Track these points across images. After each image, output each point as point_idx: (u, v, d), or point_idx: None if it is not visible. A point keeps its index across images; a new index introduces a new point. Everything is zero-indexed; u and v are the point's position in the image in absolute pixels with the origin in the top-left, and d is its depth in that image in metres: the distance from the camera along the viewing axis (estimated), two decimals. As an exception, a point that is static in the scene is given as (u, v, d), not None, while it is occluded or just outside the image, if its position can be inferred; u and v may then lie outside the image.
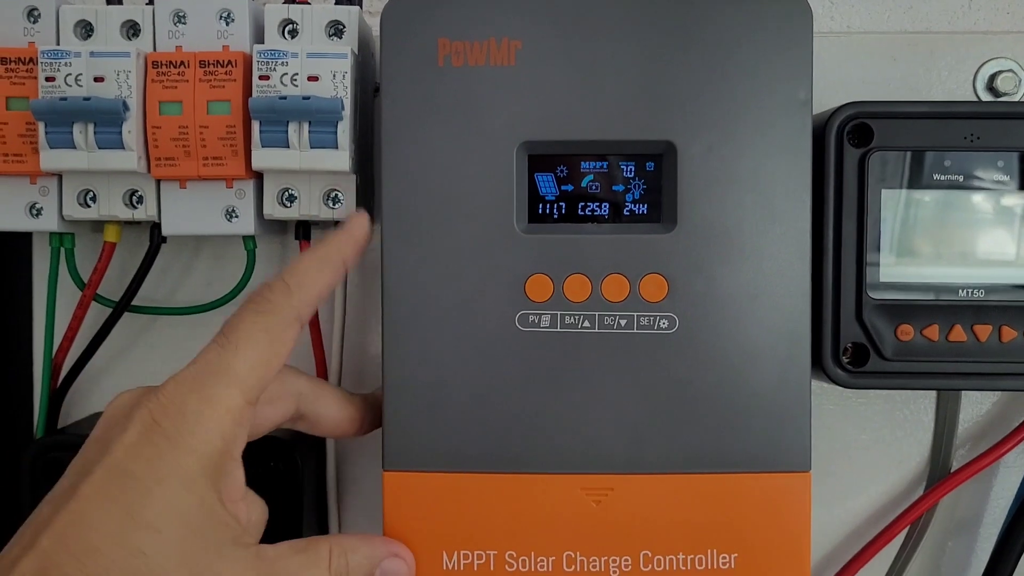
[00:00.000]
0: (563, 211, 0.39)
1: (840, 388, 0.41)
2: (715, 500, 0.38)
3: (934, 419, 0.47)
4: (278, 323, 0.33)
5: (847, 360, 0.41)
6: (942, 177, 0.41)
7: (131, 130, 0.39)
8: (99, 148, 0.39)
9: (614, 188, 0.39)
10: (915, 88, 0.46)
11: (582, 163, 0.39)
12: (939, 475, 0.46)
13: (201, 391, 0.31)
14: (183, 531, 0.30)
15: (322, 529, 0.46)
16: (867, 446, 0.47)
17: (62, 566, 0.28)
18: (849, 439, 0.47)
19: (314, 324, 0.44)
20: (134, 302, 0.44)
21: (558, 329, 0.38)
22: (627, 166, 0.39)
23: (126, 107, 0.39)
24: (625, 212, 0.39)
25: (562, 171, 0.39)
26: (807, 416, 0.38)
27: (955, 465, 0.46)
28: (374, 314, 0.47)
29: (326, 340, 0.45)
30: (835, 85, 0.45)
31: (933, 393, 0.46)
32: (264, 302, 0.33)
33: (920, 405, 0.47)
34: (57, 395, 0.45)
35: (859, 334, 0.41)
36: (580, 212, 0.39)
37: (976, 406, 0.47)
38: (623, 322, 0.38)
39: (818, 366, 0.40)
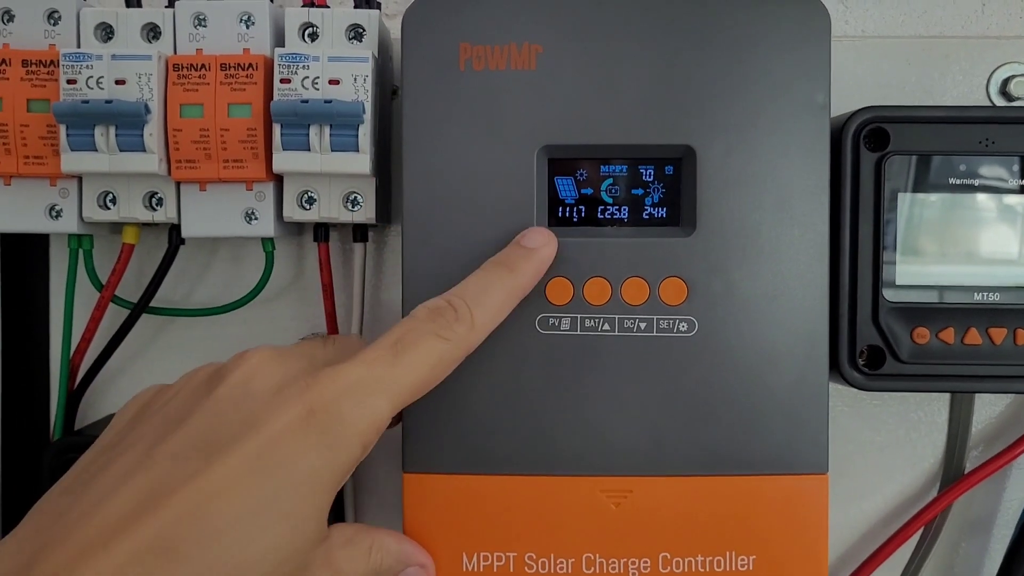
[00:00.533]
0: (583, 215, 0.39)
1: (854, 389, 0.41)
2: (733, 502, 0.38)
3: (948, 420, 0.47)
4: (451, 357, 0.33)
5: (863, 363, 0.41)
6: (957, 181, 0.41)
7: (152, 133, 0.39)
8: (120, 151, 0.39)
9: (633, 192, 0.39)
10: (929, 92, 0.46)
11: (602, 167, 0.39)
12: (953, 476, 0.46)
13: (361, 398, 0.30)
14: (301, 539, 0.29)
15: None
16: (881, 447, 0.47)
17: (184, 546, 0.27)
18: (863, 440, 0.47)
19: (332, 328, 0.44)
20: (152, 304, 0.44)
21: (578, 332, 0.38)
22: (646, 170, 0.39)
23: (147, 110, 0.39)
24: (644, 215, 0.39)
25: (582, 175, 0.39)
26: (825, 418, 0.38)
27: (969, 466, 0.46)
28: (394, 317, 0.47)
29: (344, 342, 0.45)
30: (849, 89, 0.45)
31: (947, 395, 0.47)
32: (448, 330, 0.33)
33: (934, 407, 0.47)
34: (74, 397, 0.45)
35: (875, 337, 0.41)
36: (600, 216, 0.39)
37: (990, 407, 0.47)
38: (643, 325, 0.38)
39: (834, 368, 0.40)
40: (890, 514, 0.47)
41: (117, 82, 0.39)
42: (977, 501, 0.47)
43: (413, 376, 0.32)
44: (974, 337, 0.41)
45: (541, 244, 0.36)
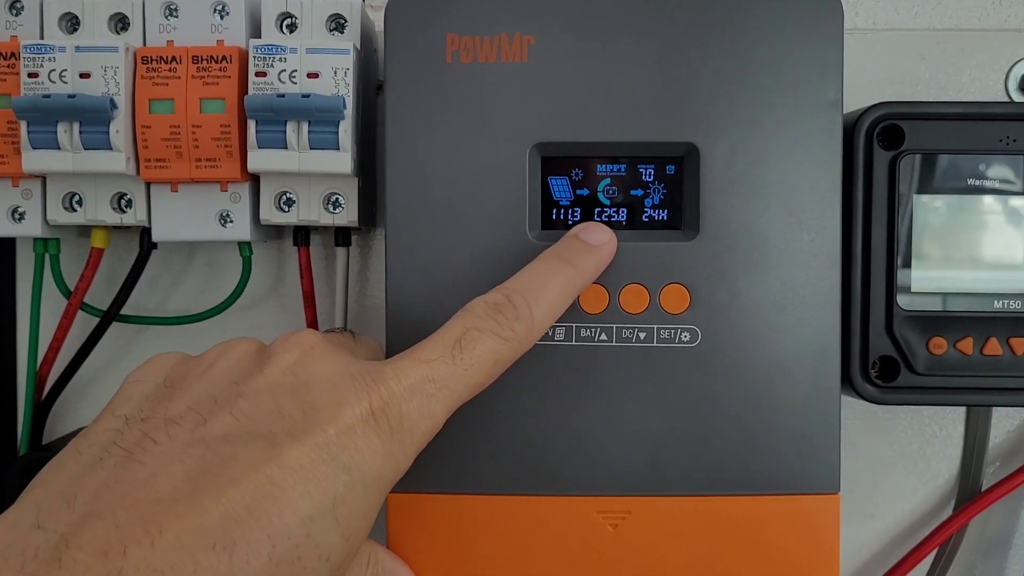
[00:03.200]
0: (578, 217, 0.37)
1: (865, 402, 0.39)
2: (739, 524, 0.36)
3: (963, 434, 0.45)
4: (509, 358, 0.31)
5: (876, 374, 0.39)
6: (975, 182, 0.38)
7: (119, 130, 0.37)
8: (85, 149, 0.37)
9: (632, 193, 0.37)
10: (944, 88, 0.44)
11: (598, 166, 0.37)
12: (969, 494, 0.44)
13: (423, 401, 0.28)
14: (350, 551, 0.27)
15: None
16: (893, 463, 0.45)
17: (251, 539, 0.24)
18: (874, 455, 0.45)
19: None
20: (123, 311, 0.42)
21: (573, 342, 0.36)
22: (646, 169, 0.36)
23: (114, 105, 0.36)
24: (644, 218, 0.37)
25: (577, 174, 0.37)
26: (836, 434, 0.36)
27: (986, 483, 0.44)
28: (377, 326, 0.44)
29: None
30: (860, 85, 0.43)
31: (962, 407, 0.44)
32: (508, 330, 0.30)
33: (949, 420, 0.45)
34: (41, 409, 0.43)
35: (889, 347, 0.39)
36: (596, 218, 0.37)
37: (1008, 421, 0.45)
38: (642, 335, 0.35)
39: (845, 381, 0.38)
40: (902, 534, 0.45)
41: (81, 75, 0.37)
42: (994, 520, 0.45)
43: (472, 379, 0.30)
44: (994, 347, 0.38)
45: (604, 241, 0.34)
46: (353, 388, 0.28)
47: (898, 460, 0.45)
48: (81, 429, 0.45)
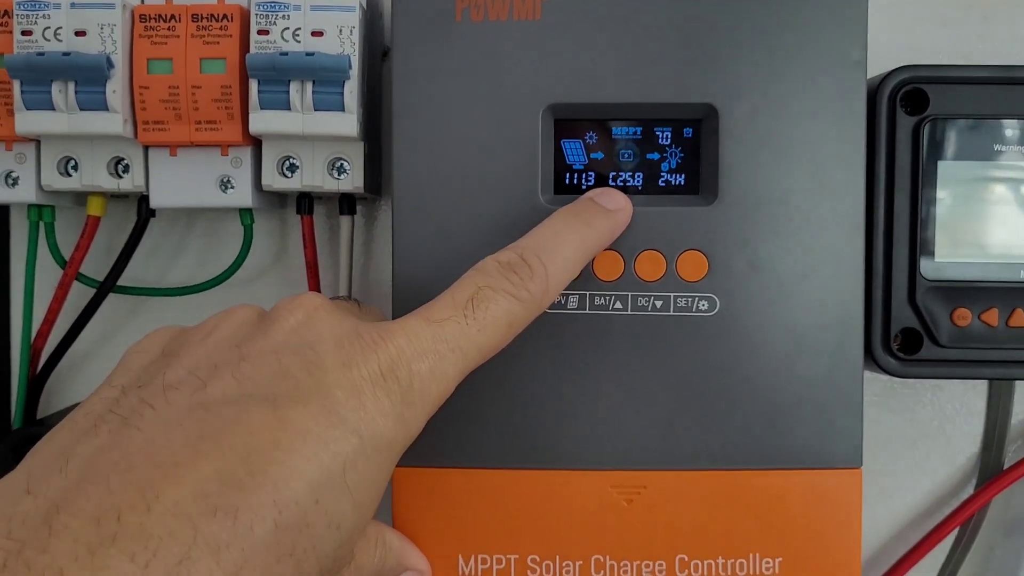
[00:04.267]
0: (592, 181, 0.35)
1: (884, 376, 0.37)
2: (758, 499, 0.34)
3: (985, 411, 0.43)
4: (523, 319, 0.30)
5: (897, 347, 0.37)
6: (1002, 148, 0.37)
7: (116, 90, 0.35)
8: (80, 109, 0.35)
9: (648, 156, 0.35)
10: (967, 54, 0.43)
11: (613, 129, 0.35)
12: (991, 472, 0.43)
13: (435, 361, 0.27)
14: (361, 520, 0.26)
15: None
16: (913, 440, 0.44)
17: (255, 505, 0.23)
18: (893, 432, 0.43)
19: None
20: (120, 282, 0.41)
21: (586, 311, 0.34)
22: (663, 132, 0.35)
23: (110, 64, 0.35)
24: (661, 183, 0.35)
25: (591, 137, 0.35)
26: (859, 407, 0.35)
27: (1008, 461, 0.43)
28: (384, 298, 0.43)
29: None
30: (878, 53, 0.41)
31: (985, 382, 0.43)
32: (522, 289, 0.29)
33: (970, 395, 0.43)
34: (36, 383, 0.41)
35: (912, 319, 0.37)
36: (611, 183, 0.35)
37: (1031, 397, 0.43)
38: (658, 303, 0.34)
39: (867, 354, 0.37)
40: (923, 513, 0.44)
41: (77, 33, 0.35)
42: (1017, 499, 0.44)
43: (485, 340, 0.28)
44: (1021, 318, 0.37)
45: (620, 206, 0.33)
46: (360, 347, 0.26)
47: (918, 437, 0.44)
48: (78, 404, 0.44)
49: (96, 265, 0.42)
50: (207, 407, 0.25)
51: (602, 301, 0.34)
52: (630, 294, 0.34)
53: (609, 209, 0.33)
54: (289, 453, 0.24)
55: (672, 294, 0.34)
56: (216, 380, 0.25)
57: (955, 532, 0.42)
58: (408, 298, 0.34)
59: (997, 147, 0.37)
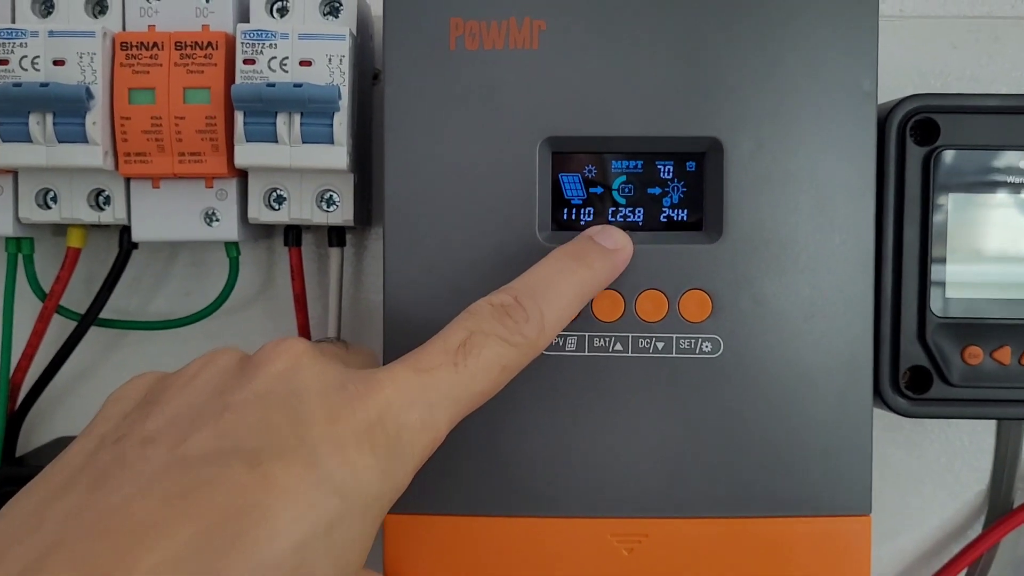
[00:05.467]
0: (591, 217, 0.34)
1: (891, 413, 0.36)
2: (763, 548, 0.33)
3: (995, 446, 0.42)
4: (517, 365, 0.28)
5: (906, 385, 0.36)
6: (1015, 179, 0.36)
7: (96, 121, 0.34)
8: (59, 141, 0.34)
9: (650, 191, 0.34)
10: (978, 79, 0.41)
11: (613, 162, 0.34)
12: (1001, 510, 0.42)
13: (423, 411, 0.26)
14: (351, 570, 0.25)
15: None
16: (920, 476, 0.42)
17: (237, 569, 0.22)
18: (900, 468, 0.42)
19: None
20: (102, 315, 0.39)
21: (585, 353, 0.33)
22: (665, 166, 0.34)
23: (90, 94, 0.34)
24: (663, 219, 0.34)
25: (591, 171, 0.34)
26: (868, 452, 0.33)
27: (1018, 499, 0.42)
28: (372, 332, 0.42)
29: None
30: (886, 77, 0.40)
31: (994, 419, 0.42)
32: (516, 334, 0.28)
33: (979, 430, 0.42)
34: (15, 419, 0.40)
35: (921, 356, 0.36)
36: (611, 218, 0.34)
37: (1041, 433, 0.42)
38: (660, 345, 0.33)
39: (874, 392, 0.36)
40: (929, 552, 0.43)
41: (55, 63, 0.34)
42: (1028, 538, 0.42)
43: (477, 387, 0.27)
44: (1034, 357, 0.36)
45: (620, 246, 0.32)
46: (346, 399, 0.25)
47: (925, 474, 0.43)
48: (59, 440, 0.42)
49: (77, 297, 0.40)
50: (186, 464, 0.23)
51: (601, 343, 0.33)
52: (631, 335, 0.33)
53: (608, 248, 0.31)
54: (271, 515, 0.22)
55: (674, 335, 0.33)
56: (196, 433, 0.24)
57: (964, 573, 0.41)
58: (399, 336, 0.33)
59: (1010, 179, 0.36)
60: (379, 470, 0.25)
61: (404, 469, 0.25)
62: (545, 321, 0.29)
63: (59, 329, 0.39)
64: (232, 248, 0.38)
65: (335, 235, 0.39)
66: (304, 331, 0.39)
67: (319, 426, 0.24)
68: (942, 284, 0.36)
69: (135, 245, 0.38)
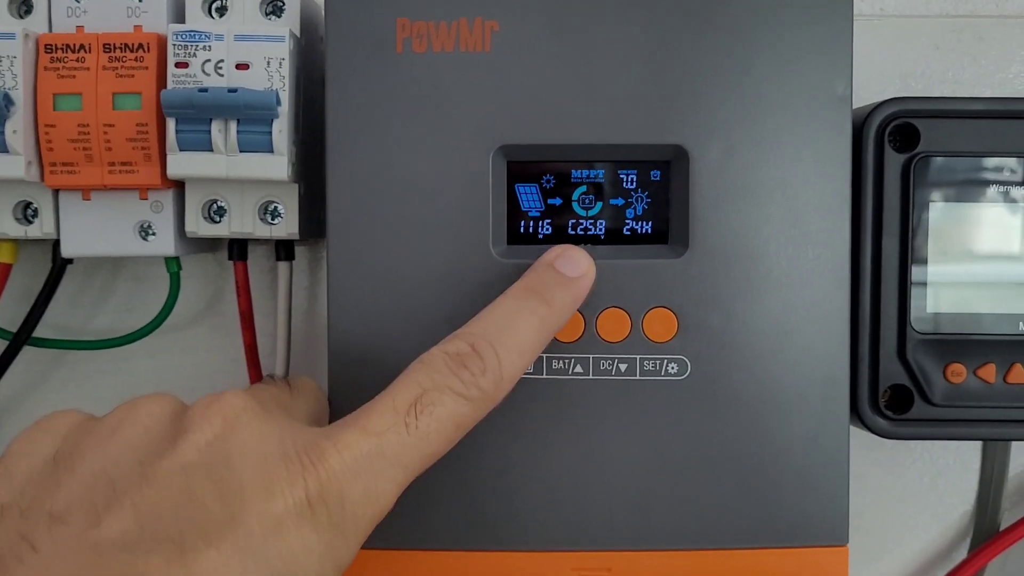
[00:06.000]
0: (549, 230, 0.32)
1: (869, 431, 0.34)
2: (734, 581, 0.31)
3: (980, 466, 0.40)
4: (472, 420, 0.26)
5: (886, 404, 0.34)
6: (999, 188, 0.34)
7: (16, 129, 0.32)
8: (-23, 152, 0.32)
9: (612, 202, 0.32)
10: (960, 81, 0.40)
11: (573, 171, 0.32)
12: (986, 532, 0.40)
13: (369, 481, 0.24)
14: None
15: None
16: (902, 497, 0.41)
17: None
18: (881, 489, 0.41)
19: (252, 362, 0.37)
20: (39, 333, 0.37)
21: (544, 375, 0.31)
22: (628, 175, 0.32)
23: (9, 101, 0.31)
24: (625, 231, 0.32)
25: (548, 181, 0.32)
26: (845, 479, 0.32)
27: (1004, 522, 0.40)
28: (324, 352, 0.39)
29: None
30: (866, 79, 0.38)
31: (979, 437, 0.40)
32: (473, 387, 0.26)
33: (964, 449, 0.40)
34: (-55, 444, 0.38)
35: (901, 374, 0.34)
36: (570, 231, 0.32)
37: (1029, 451, 0.40)
38: (623, 367, 0.31)
39: (852, 412, 0.34)
40: (912, 576, 0.41)
41: (-28, 67, 0.32)
42: (1013, 562, 0.41)
43: (429, 449, 0.25)
44: (1020, 375, 0.34)
45: (582, 272, 0.30)
46: (286, 470, 0.23)
47: (908, 494, 0.41)
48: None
49: (12, 315, 0.38)
50: (100, 551, 0.21)
51: (561, 365, 0.31)
52: (592, 357, 0.31)
53: (570, 278, 0.29)
54: None
55: (638, 356, 0.31)
56: (112, 513, 0.21)
57: (948, 599, 0.39)
58: (345, 358, 0.31)
59: (995, 187, 0.34)
60: (321, 549, 0.23)
61: (348, 545, 0.23)
62: (503, 370, 0.27)
63: (-8, 349, 0.37)
64: (172, 263, 0.36)
65: (283, 248, 0.37)
66: (251, 348, 0.37)
67: (253, 503, 0.22)
68: (923, 298, 0.34)
69: (69, 260, 0.36)
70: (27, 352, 0.37)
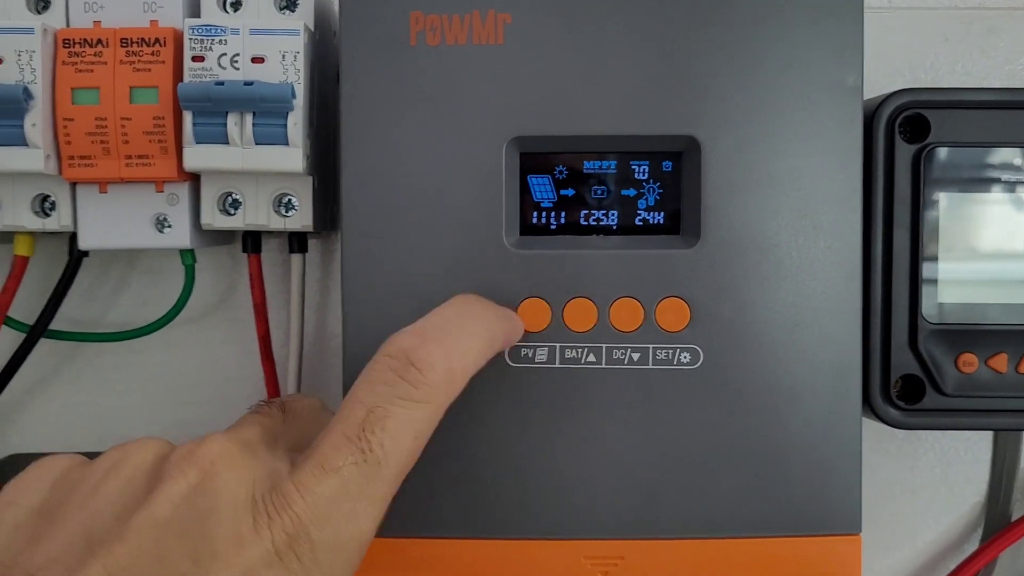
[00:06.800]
0: (562, 221, 0.32)
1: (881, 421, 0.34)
2: (746, 570, 0.32)
3: (991, 457, 0.40)
4: (430, 422, 0.25)
5: (898, 395, 0.34)
6: (1009, 178, 0.34)
7: (35, 123, 0.32)
8: (-4, 145, 0.32)
9: (624, 193, 0.32)
10: (969, 73, 0.40)
11: (585, 163, 0.32)
12: (998, 523, 0.40)
13: (338, 525, 0.23)
14: None
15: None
16: (914, 489, 0.41)
17: None
18: (893, 480, 0.41)
19: (266, 355, 0.37)
20: (55, 326, 0.37)
21: (557, 364, 0.31)
22: (640, 166, 0.32)
23: (29, 95, 0.32)
24: (637, 222, 0.32)
25: (561, 172, 0.32)
26: (857, 468, 0.32)
27: (1016, 512, 0.40)
28: (335, 344, 0.40)
29: (280, 374, 0.38)
30: (876, 71, 0.39)
31: (990, 428, 0.40)
32: (419, 388, 0.25)
33: (975, 440, 0.40)
34: (-37, 436, 0.38)
35: (913, 365, 0.34)
36: (583, 222, 0.32)
37: (1040, 442, 0.40)
38: (635, 356, 0.31)
39: (864, 403, 0.34)
40: (923, 567, 0.41)
41: (-8, 61, 0.32)
42: (1026, 553, 0.41)
43: (392, 472, 0.24)
44: (1031, 365, 0.34)
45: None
46: (253, 521, 0.23)
47: (919, 485, 0.41)
48: (12, 457, 0.40)
49: (30, 307, 0.38)
50: None
51: (574, 354, 0.31)
52: (604, 346, 0.31)
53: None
54: None
55: (651, 346, 0.31)
56: (84, 571, 0.21)
57: (960, 590, 0.39)
58: (361, 350, 0.31)
59: (1005, 177, 0.34)
60: None
61: None
62: (454, 367, 0.26)
63: (9, 341, 0.38)
64: (187, 255, 0.36)
65: (296, 241, 0.37)
66: (265, 340, 0.37)
67: (224, 558, 0.22)
68: (934, 288, 0.34)
69: (85, 253, 0.36)
70: (43, 344, 0.38)
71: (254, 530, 0.22)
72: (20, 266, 0.36)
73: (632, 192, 0.32)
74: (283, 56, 0.32)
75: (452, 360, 0.26)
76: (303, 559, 0.23)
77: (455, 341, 0.26)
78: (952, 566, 0.39)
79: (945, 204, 0.34)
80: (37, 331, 0.37)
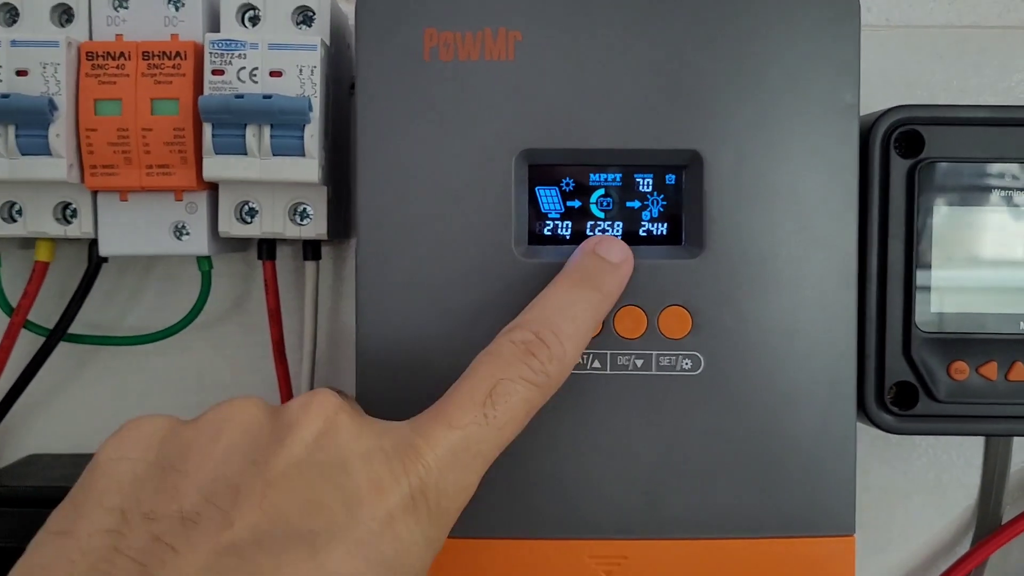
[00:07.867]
0: (569, 231, 0.33)
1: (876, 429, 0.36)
2: (745, 569, 0.33)
3: (983, 462, 0.41)
4: (540, 403, 0.28)
5: (891, 401, 0.35)
6: (1001, 193, 0.35)
7: (59, 133, 0.33)
8: (22, 154, 0.33)
9: (629, 205, 0.33)
10: (964, 90, 0.41)
11: (591, 175, 0.33)
12: (989, 526, 0.41)
13: (459, 474, 0.25)
14: None
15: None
16: (907, 492, 0.42)
17: None
18: (885, 484, 0.42)
19: (279, 360, 0.38)
20: (73, 330, 0.38)
21: (563, 370, 0.32)
22: (644, 179, 0.33)
23: (53, 106, 0.33)
24: (642, 233, 0.33)
25: (568, 184, 0.33)
26: (852, 471, 0.33)
27: (1006, 515, 0.41)
28: (352, 345, 0.41)
29: (293, 377, 0.39)
30: (871, 87, 0.39)
31: (982, 434, 0.41)
32: (541, 373, 0.27)
33: (967, 445, 0.42)
34: (-17, 436, 0.39)
35: (906, 372, 0.35)
36: (589, 232, 0.33)
37: (1030, 447, 0.42)
38: (639, 362, 0.32)
39: (859, 408, 0.35)
40: (916, 569, 0.42)
41: (18, 73, 0.33)
42: (1015, 555, 0.42)
43: (504, 438, 0.26)
44: (1021, 372, 0.35)
45: (624, 258, 0.31)
46: (388, 469, 0.24)
47: (912, 489, 0.42)
48: (30, 457, 0.41)
49: (48, 312, 0.39)
50: (239, 552, 0.21)
51: (580, 359, 0.32)
52: (609, 352, 0.32)
53: (614, 263, 0.30)
54: None
55: (654, 352, 0.32)
56: (241, 513, 0.22)
57: (951, 591, 0.40)
58: (374, 355, 0.32)
59: (996, 192, 0.35)
60: (424, 541, 0.24)
61: (442, 534, 0.25)
62: (567, 355, 0.28)
63: (28, 345, 0.38)
64: (204, 262, 0.37)
65: (310, 248, 0.38)
66: (279, 345, 0.38)
67: (368, 503, 0.23)
68: (927, 298, 0.35)
69: (104, 259, 0.37)
70: (62, 348, 0.39)
71: (391, 477, 0.24)
72: (40, 271, 0.37)
73: (636, 204, 0.33)
74: (300, 70, 0.33)
75: (567, 350, 0.28)
76: (431, 506, 0.24)
77: (566, 332, 0.28)
78: (944, 567, 0.40)
79: (938, 218, 0.35)
80: (56, 335, 0.38)
